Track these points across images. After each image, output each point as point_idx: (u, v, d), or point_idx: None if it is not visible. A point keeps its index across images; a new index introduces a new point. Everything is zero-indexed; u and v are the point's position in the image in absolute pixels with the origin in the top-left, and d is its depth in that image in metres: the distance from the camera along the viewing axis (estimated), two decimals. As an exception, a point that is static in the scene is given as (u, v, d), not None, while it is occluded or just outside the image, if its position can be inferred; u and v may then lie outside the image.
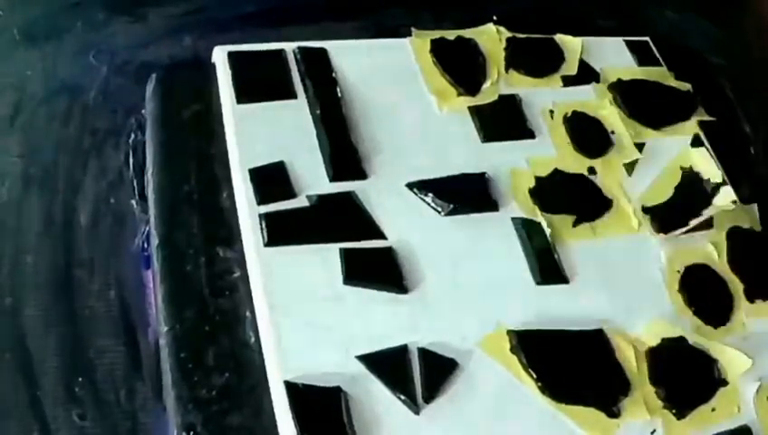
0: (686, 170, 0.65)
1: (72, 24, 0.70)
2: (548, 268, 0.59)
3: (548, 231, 0.60)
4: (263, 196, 0.57)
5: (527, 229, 0.60)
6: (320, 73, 0.65)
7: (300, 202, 0.58)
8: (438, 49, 0.69)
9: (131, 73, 0.67)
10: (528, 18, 0.74)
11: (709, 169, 0.64)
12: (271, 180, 0.58)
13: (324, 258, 0.55)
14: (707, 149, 0.66)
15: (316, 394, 0.49)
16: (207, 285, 0.55)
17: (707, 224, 0.64)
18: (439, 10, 0.75)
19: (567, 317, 0.57)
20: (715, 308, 0.60)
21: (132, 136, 0.64)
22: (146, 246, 0.60)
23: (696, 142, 0.67)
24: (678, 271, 0.61)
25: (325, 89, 0.64)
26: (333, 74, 0.65)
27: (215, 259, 0.57)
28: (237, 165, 0.59)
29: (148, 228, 0.60)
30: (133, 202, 0.62)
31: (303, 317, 0.53)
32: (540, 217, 0.60)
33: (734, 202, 0.62)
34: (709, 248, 0.63)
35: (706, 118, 0.71)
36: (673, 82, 0.73)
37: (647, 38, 0.76)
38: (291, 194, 0.58)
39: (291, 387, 0.49)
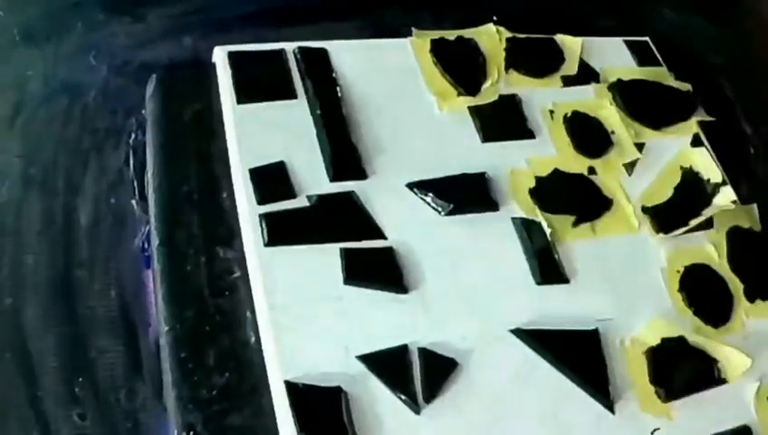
0: (685, 170, 0.66)
1: (72, 24, 0.70)
2: (548, 268, 0.59)
3: (548, 231, 0.60)
4: (263, 196, 0.57)
5: (527, 229, 0.60)
6: (320, 73, 0.65)
7: (300, 202, 0.58)
8: (438, 49, 0.69)
9: (131, 73, 0.67)
10: (528, 18, 0.74)
11: (709, 168, 0.65)
12: (271, 180, 0.58)
13: (324, 258, 0.56)
14: (707, 149, 0.66)
15: (316, 394, 0.50)
16: (207, 285, 0.56)
17: (707, 224, 0.64)
18: (439, 10, 0.75)
19: (567, 317, 0.57)
20: (715, 308, 0.60)
21: (132, 136, 0.64)
22: (146, 246, 0.59)
23: (696, 142, 0.67)
24: (678, 271, 0.61)
25: (325, 89, 0.64)
26: (333, 74, 0.65)
27: (215, 259, 0.57)
28: (237, 165, 0.59)
29: (148, 228, 0.60)
30: (133, 202, 0.62)
31: (303, 317, 0.53)
32: (540, 217, 0.60)
33: (734, 202, 0.62)
34: (709, 248, 0.63)
35: (706, 118, 0.70)
36: (673, 82, 0.73)
37: (646, 38, 0.76)
38: (291, 194, 0.58)
39: (291, 387, 0.49)
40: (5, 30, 0.69)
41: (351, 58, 0.67)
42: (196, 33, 0.70)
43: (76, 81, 0.66)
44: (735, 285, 0.62)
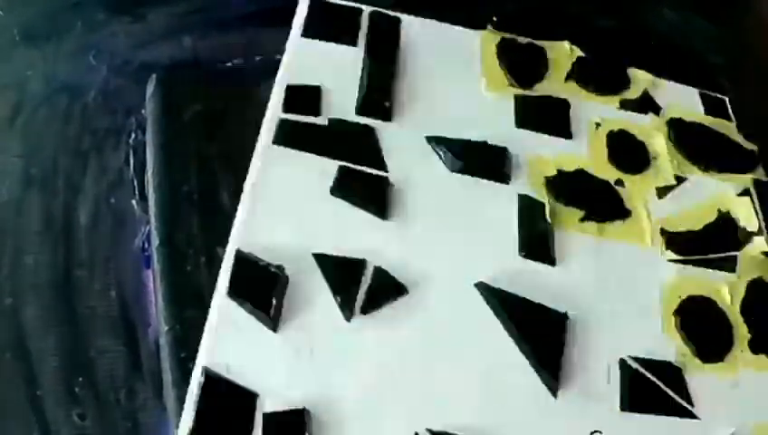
0: (722, 214, 0.63)
1: (72, 24, 0.70)
2: (537, 243, 0.58)
3: (548, 213, 0.59)
4: (289, 106, 0.61)
5: (529, 206, 0.60)
6: (386, 33, 0.68)
7: (320, 120, 0.61)
8: (505, 46, 0.69)
9: (131, 73, 0.67)
10: (528, 18, 0.73)
11: (749, 218, 0.62)
12: (303, 97, 0.62)
13: (322, 171, 0.58)
14: (754, 204, 0.63)
15: (258, 267, 0.52)
16: (207, 285, 0.55)
17: (729, 267, 0.61)
18: (440, 10, 0.75)
19: (541, 293, 0.56)
20: (709, 343, 0.57)
21: (132, 136, 0.64)
22: (146, 246, 0.59)
23: (744, 193, 0.64)
24: (680, 296, 0.59)
25: (386, 46, 0.67)
26: (399, 38, 0.68)
27: (215, 259, 0.57)
28: (281, 79, 0.63)
29: (148, 228, 0.60)
30: (133, 202, 0.62)
31: (283, 210, 0.55)
32: (545, 199, 0.60)
33: (765, 254, 0.60)
34: (723, 288, 0.60)
35: (763, 178, 0.67)
36: (738, 138, 0.69)
37: (725, 97, 0.73)
38: (315, 112, 0.61)
39: (239, 255, 0.52)
40: (5, 30, 0.69)
41: (421, 32, 0.69)
42: (196, 33, 0.70)
43: (76, 81, 0.67)
44: (741, 332, 0.58)
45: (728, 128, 0.69)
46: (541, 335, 0.54)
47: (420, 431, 0.49)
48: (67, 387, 0.53)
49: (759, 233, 0.61)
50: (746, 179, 0.66)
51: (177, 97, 0.64)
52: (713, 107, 0.71)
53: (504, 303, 0.54)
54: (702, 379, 0.55)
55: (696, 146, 0.67)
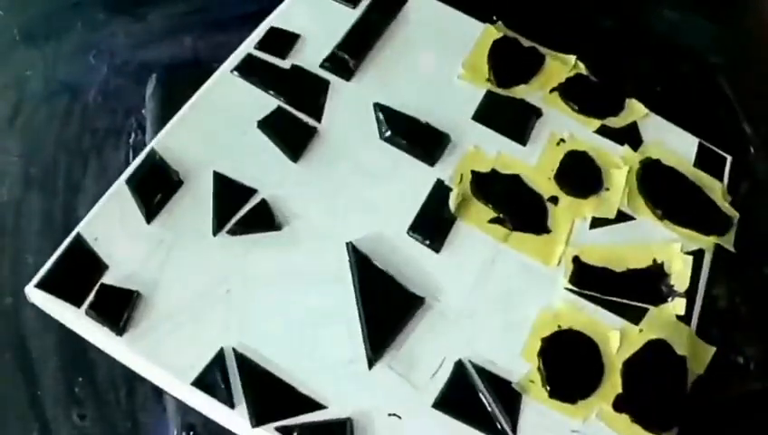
0: (656, 264, 0.59)
1: (72, 24, 0.70)
2: (429, 228, 0.57)
3: (454, 201, 0.58)
4: (262, 44, 0.64)
5: (440, 192, 0.59)
6: (389, 3, 0.69)
7: (284, 64, 0.64)
8: (503, 44, 0.68)
9: (131, 73, 0.67)
10: (527, 17, 0.73)
11: (683, 277, 0.58)
12: (279, 40, 0.65)
13: (262, 106, 0.61)
14: (700, 268, 0.59)
15: (158, 169, 0.57)
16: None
17: (634, 316, 0.56)
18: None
19: (411, 272, 0.55)
20: (565, 381, 0.53)
21: (132, 136, 0.64)
22: (146, 245, 0.60)
23: (695, 253, 0.60)
24: (560, 325, 0.55)
25: (381, 15, 0.68)
26: (398, 10, 0.69)
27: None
28: (268, 21, 0.66)
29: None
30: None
31: (210, 129, 0.60)
32: (455, 190, 0.59)
33: (679, 318, 0.57)
34: (613, 335, 0.55)
35: (729, 247, 0.62)
36: (720, 200, 0.64)
37: (729, 157, 0.68)
38: (283, 56, 0.64)
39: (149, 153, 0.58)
40: (5, 30, 0.69)
41: (427, 12, 0.69)
42: (196, 33, 0.70)
43: (76, 81, 0.67)
44: (612, 384, 0.53)
45: (712, 186, 0.65)
46: (383, 309, 0.53)
47: (227, 348, 0.51)
48: (67, 387, 0.53)
49: (684, 296, 0.57)
50: (706, 241, 0.61)
51: (177, 97, 0.64)
52: (709, 162, 0.66)
53: (363, 268, 0.54)
54: (542, 412, 0.52)
55: (663, 191, 0.63)
